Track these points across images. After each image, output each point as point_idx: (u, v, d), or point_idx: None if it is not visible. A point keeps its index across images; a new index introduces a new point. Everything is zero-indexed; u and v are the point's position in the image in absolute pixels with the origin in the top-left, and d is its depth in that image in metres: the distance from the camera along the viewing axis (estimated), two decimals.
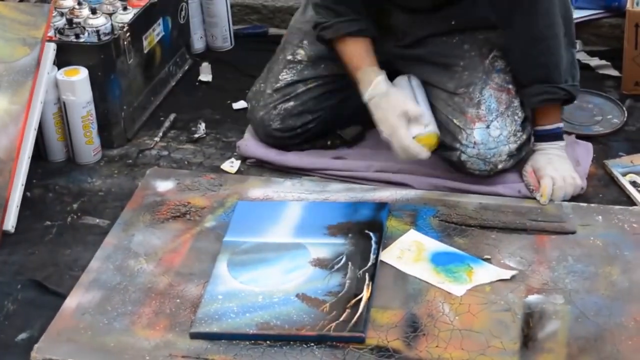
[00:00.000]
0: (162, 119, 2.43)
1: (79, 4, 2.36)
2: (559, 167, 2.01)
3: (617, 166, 2.11)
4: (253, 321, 1.67)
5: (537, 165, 2.03)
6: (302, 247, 1.85)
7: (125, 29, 2.28)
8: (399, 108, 1.95)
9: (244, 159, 2.23)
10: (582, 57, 2.55)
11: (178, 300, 1.75)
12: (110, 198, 2.12)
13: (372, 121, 2.00)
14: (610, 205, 1.97)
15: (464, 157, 2.00)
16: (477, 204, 1.98)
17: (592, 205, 1.97)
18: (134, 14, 2.35)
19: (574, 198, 2.00)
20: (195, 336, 1.66)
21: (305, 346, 1.63)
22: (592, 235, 1.87)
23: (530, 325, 1.66)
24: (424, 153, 1.95)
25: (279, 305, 1.70)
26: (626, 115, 2.32)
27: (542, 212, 1.95)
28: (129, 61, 2.32)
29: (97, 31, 2.25)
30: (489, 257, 1.82)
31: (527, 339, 1.63)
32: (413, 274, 1.79)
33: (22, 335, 1.73)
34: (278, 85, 2.18)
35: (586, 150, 2.17)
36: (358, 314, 1.67)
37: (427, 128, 1.97)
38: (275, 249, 1.86)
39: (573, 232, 1.88)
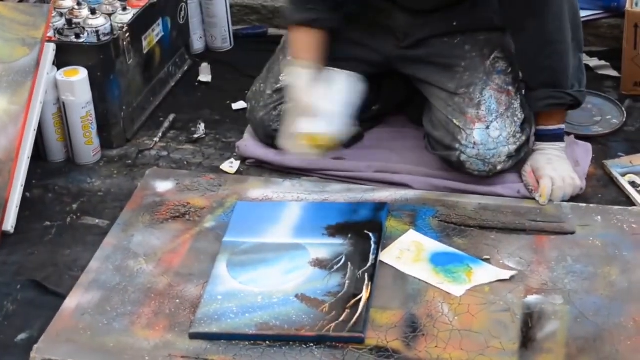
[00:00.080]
0: (161, 119, 2.43)
1: (79, 4, 2.36)
2: (558, 168, 2.01)
3: (616, 166, 2.11)
4: (252, 321, 1.67)
5: (537, 166, 2.03)
6: (302, 247, 1.85)
7: (124, 30, 2.28)
8: (302, 101, 1.91)
9: (243, 159, 2.23)
10: None
11: (177, 301, 1.75)
12: (109, 198, 2.12)
13: (371, 123, 1.98)
14: (609, 206, 1.97)
15: (463, 157, 2.00)
16: (476, 205, 1.97)
17: (591, 205, 1.97)
18: (134, 15, 2.34)
19: (573, 198, 2.00)
20: (194, 336, 1.66)
21: (304, 346, 1.63)
22: (591, 236, 1.87)
23: (529, 326, 1.66)
24: (299, 150, 1.90)
25: (279, 306, 1.70)
26: (625, 115, 2.32)
27: (542, 213, 1.95)
28: (129, 61, 2.32)
29: (97, 31, 2.25)
30: (488, 257, 1.82)
31: (526, 340, 1.63)
32: (412, 274, 1.79)
33: (22, 336, 1.73)
34: (278, 85, 2.17)
35: (585, 150, 2.17)
36: (357, 314, 1.67)
37: (320, 127, 1.88)
38: (274, 249, 1.86)
39: (572, 233, 1.88)
